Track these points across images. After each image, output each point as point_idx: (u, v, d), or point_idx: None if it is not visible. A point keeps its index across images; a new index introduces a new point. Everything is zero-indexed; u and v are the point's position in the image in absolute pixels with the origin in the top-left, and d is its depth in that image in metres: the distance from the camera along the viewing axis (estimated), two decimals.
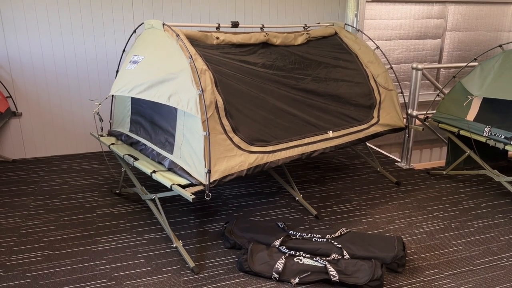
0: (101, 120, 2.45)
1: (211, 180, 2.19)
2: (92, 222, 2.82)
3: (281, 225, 2.59)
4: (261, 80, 2.68)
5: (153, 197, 2.56)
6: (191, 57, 2.28)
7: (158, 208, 2.58)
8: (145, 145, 2.70)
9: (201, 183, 2.21)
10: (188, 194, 2.09)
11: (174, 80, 2.28)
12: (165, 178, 2.29)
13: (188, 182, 2.26)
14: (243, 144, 2.38)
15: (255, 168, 2.39)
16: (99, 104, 2.33)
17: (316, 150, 2.68)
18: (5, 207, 3.02)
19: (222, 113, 2.32)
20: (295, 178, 3.59)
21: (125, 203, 3.09)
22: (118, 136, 2.97)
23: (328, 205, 3.09)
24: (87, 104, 3.99)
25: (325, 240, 2.40)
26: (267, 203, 3.11)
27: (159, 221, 2.67)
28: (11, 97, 3.76)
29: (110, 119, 3.15)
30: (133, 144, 2.83)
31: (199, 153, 2.21)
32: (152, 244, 2.57)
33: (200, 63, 2.33)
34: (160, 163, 2.52)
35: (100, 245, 2.55)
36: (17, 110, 3.82)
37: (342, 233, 2.48)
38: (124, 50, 3.01)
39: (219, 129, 2.28)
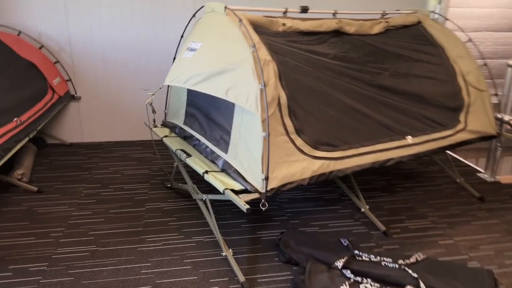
0: (153, 111, 2.26)
1: (268, 188, 1.92)
2: (140, 217, 2.67)
3: (345, 242, 2.27)
4: (331, 73, 2.34)
5: (204, 198, 2.34)
6: (254, 46, 2.00)
7: (208, 211, 2.37)
8: (198, 140, 2.48)
9: (256, 191, 1.94)
10: (242, 203, 1.83)
11: (234, 71, 2.02)
12: (218, 180, 2.05)
13: (242, 187, 2.01)
14: (306, 148, 2.07)
15: (319, 176, 2.08)
16: (153, 94, 2.13)
17: (391, 159, 2.31)
18: (58, 193, 2.96)
19: (285, 111, 2.03)
20: (359, 184, 3.22)
21: (176, 199, 2.92)
22: (172, 128, 2.78)
23: (398, 219, 2.71)
24: (144, 91, 3.88)
25: (397, 266, 2.05)
26: (327, 212, 2.79)
27: (209, 224, 2.45)
28: (70, 80, 3.73)
29: (165, 109, 2.98)
30: (187, 138, 2.63)
31: (257, 156, 1.94)
32: (201, 249, 2.36)
33: (264, 53, 2.04)
34: (213, 162, 2.29)
35: (146, 245, 2.39)
36: (76, 94, 3.79)
37: (419, 259, 2.10)
38: (182, 36, 2.80)
39: (280, 130, 1.99)
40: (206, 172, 2.14)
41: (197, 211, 2.73)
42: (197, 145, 2.48)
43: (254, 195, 1.93)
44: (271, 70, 2.01)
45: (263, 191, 1.92)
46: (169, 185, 3.04)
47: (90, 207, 2.79)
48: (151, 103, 2.17)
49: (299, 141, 2.05)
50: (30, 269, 2.16)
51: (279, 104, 2.00)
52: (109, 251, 2.33)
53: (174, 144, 2.58)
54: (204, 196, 2.33)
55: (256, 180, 1.95)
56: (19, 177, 3.03)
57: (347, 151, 2.19)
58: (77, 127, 3.90)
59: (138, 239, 2.44)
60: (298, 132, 2.06)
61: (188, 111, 2.65)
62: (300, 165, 2.03)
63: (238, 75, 2.00)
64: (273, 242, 2.42)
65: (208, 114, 2.42)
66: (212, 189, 2.15)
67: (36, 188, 2.96)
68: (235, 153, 2.11)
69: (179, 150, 2.46)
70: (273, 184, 1.93)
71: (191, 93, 2.62)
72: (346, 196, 2.96)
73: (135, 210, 2.76)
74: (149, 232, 2.52)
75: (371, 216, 2.64)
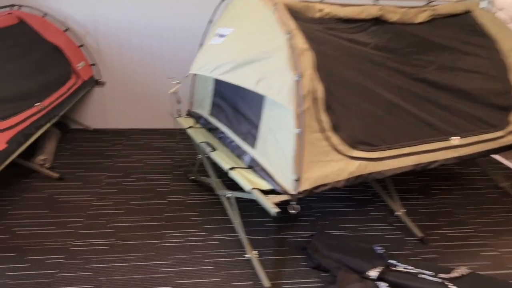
0: (178, 101, 2.13)
1: (300, 190, 1.76)
2: (161, 210, 2.57)
3: (379, 250, 2.09)
4: (371, 65, 2.14)
5: (229, 195, 2.21)
6: (290, 33, 1.82)
7: (232, 208, 2.23)
8: (224, 133, 2.34)
9: (286, 192, 1.78)
10: (270, 206, 1.68)
11: (266, 60, 1.85)
12: (245, 178, 1.91)
13: (270, 187, 1.85)
14: (342, 147, 1.90)
15: (356, 178, 1.90)
16: (178, 83, 1.99)
17: (435, 161, 2.11)
18: (79, 181, 2.89)
19: (321, 105, 1.85)
20: (393, 184, 3.01)
21: (199, 192, 2.80)
22: (197, 118, 2.65)
23: (436, 225, 2.51)
24: (169, 79, 3.76)
25: (437, 279, 1.87)
26: (358, 213, 2.61)
27: (233, 222, 2.32)
28: (95, 64, 3.64)
29: (191, 98, 2.84)
30: (212, 130, 2.49)
31: (288, 155, 1.78)
32: (223, 248, 2.24)
33: (300, 41, 1.86)
34: (239, 157, 2.14)
35: (167, 241, 2.28)
36: (101, 79, 3.70)
37: (464, 274, 1.91)
38: (210, 21, 2.64)
39: (314, 126, 1.82)
40: (232, 168, 2.00)
41: (221, 206, 2.60)
42: (222, 138, 2.34)
43: (283, 197, 1.78)
44: (308, 60, 1.83)
45: (294, 193, 1.76)
46: (192, 178, 2.92)
47: (111, 197, 2.70)
48: (177, 93, 2.03)
49: (335, 139, 1.88)
50: (47, 261, 2.08)
51: (314, 98, 1.82)
52: (128, 245, 2.23)
53: (199, 136, 2.45)
54: (229, 193, 2.19)
55: (286, 180, 1.80)
56: (42, 162, 2.97)
57: (387, 152, 2.00)
58: (101, 113, 3.83)
59: (158, 234, 2.34)
60: (335, 129, 1.88)
61: (215, 102, 2.50)
62: (336, 165, 1.85)
63: (270, 65, 1.83)
64: (300, 244, 2.27)
65: (235, 106, 2.27)
66: (238, 185, 2.01)
67: (57, 175, 2.90)
68: (264, 149, 1.96)
69: (203, 143, 2.32)
70: (305, 185, 1.77)
71: (218, 83, 2.47)
72: (379, 197, 2.77)
73: (157, 203, 2.66)
74: (170, 226, 2.41)
75: (407, 220, 2.45)
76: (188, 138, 3.72)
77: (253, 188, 1.81)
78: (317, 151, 1.82)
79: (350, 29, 2.22)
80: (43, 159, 2.99)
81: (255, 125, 2.05)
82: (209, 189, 2.82)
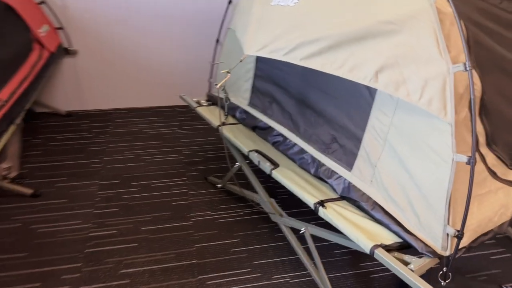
0: (227, 100, 1.37)
1: (459, 247, 1.11)
2: (188, 240, 1.87)
3: None
4: None
5: (302, 230, 1.53)
6: None
7: (308, 251, 1.57)
8: (284, 137, 1.61)
9: (434, 253, 1.12)
10: (417, 281, 1.02)
11: (391, 36, 1.11)
12: (352, 225, 1.23)
13: (398, 241, 1.19)
14: (499, 169, 1.24)
15: None
16: (228, 72, 1.21)
17: None
18: (62, 197, 2.10)
19: (477, 109, 1.16)
20: None
21: (228, 203, 2.11)
22: (223, 108, 1.89)
23: None
24: (167, 41, 2.88)
25: None
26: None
27: (305, 264, 1.66)
28: (62, 28, 2.70)
29: (210, 77, 2.05)
30: (258, 128, 1.75)
31: (434, 196, 1.10)
32: None
33: (445, 5, 1.12)
34: (319, 178, 1.45)
35: None
36: (71, 47, 2.78)
37: None
38: None
39: (468, 142, 1.14)
40: (322, 204, 1.31)
41: (266, 226, 1.94)
42: (280, 144, 1.62)
43: (431, 262, 1.12)
44: (459, 36, 1.10)
45: (448, 253, 1.10)
46: (219, 186, 2.19)
47: (112, 222, 1.96)
48: (224, 88, 1.26)
49: (490, 158, 1.21)
50: None
51: (470, 100, 1.12)
52: None
53: (241, 139, 1.71)
54: (303, 227, 1.51)
55: (430, 234, 1.13)
56: (5, 173, 2.14)
57: None
58: (75, 91, 2.93)
59: (194, 283, 1.65)
60: (490, 142, 1.21)
61: (259, 87, 1.74)
62: (495, 199, 1.21)
63: (401, 45, 1.09)
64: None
65: (304, 99, 1.53)
66: (310, 214, 1.34)
67: (31, 191, 2.09)
68: (374, 176, 1.27)
69: (254, 153, 1.59)
70: (464, 240, 1.12)
71: (264, 60, 1.70)
72: None
73: (178, 226, 1.95)
74: (207, 266, 1.73)
75: None
76: (192, 119, 2.94)
77: (376, 246, 1.14)
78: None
79: None
80: (6, 168, 2.15)
81: (351, 134, 1.34)
82: (242, 199, 2.13)
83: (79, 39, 2.76)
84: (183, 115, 3.02)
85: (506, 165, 1.25)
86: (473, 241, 1.15)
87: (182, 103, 3.15)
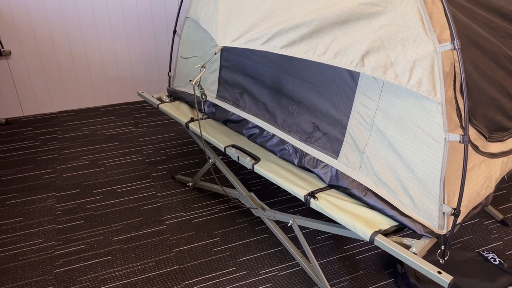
0: (202, 97, 1.27)
1: (456, 223, 1.12)
2: (166, 244, 1.77)
3: (492, 258, 1.60)
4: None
5: (289, 223, 1.49)
6: None
7: (293, 241, 1.54)
8: (260, 129, 1.55)
9: (432, 233, 1.13)
10: (432, 270, 1.03)
11: (375, 18, 1.08)
12: (346, 213, 1.20)
13: (394, 224, 1.19)
14: (480, 142, 1.27)
15: (497, 185, 1.31)
16: (203, 66, 1.11)
17: None
18: (17, 215, 1.90)
19: (457, 86, 1.17)
20: None
21: (202, 201, 2.02)
22: (181, 100, 1.79)
23: None
24: (108, 35, 2.68)
25: None
26: None
27: (293, 255, 1.63)
28: None
29: (170, 70, 1.93)
30: (230, 122, 1.67)
31: (428, 177, 1.11)
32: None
33: None
34: (304, 168, 1.41)
35: None
36: (2, 48, 2.50)
37: None
38: None
39: (455, 120, 1.15)
40: (312, 195, 1.27)
41: (245, 219, 1.88)
42: (256, 137, 1.56)
43: (430, 243, 1.12)
44: (443, 13, 1.09)
45: (445, 232, 1.12)
46: (190, 184, 2.09)
47: (79, 236, 1.80)
48: (199, 83, 1.17)
49: (471, 132, 1.24)
50: None
51: (454, 77, 1.13)
52: None
53: (214, 134, 1.62)
54: (290, 219, 1.48)
55: (426, 214, 1.14)
56: None
57: None
58: (12, 96, 2.66)
59: None
60: (470, 117, 1.23)
61: (226, 78, 1.66)
62: (480, 173, 1.24)
63: (385, 26, 1.07)
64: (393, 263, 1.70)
65: (279, 88, 1.48)
66: (296, 204, 1.31)
67: None
68: (362, 162, 1.25)
69: (231, 149, 1.52)
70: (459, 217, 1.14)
71: (229, 50, 1.61)
72: None
73: (152, 232, 1.84)
74: (189, 270, 1.65)
75: None
76: (152, 116, 2.78)
77: (376, 233, 1.12)
78: (459, 158, 1.17)
79: None
80: None
81: (335, 120, 1.31)
82: (215, 194, 2.05)
83: (11, 39, 2.48)
84: (137, 112, 2.85)
85: (485, 138, 1.28)
86: (465, 216, 1.18)
87: (133, 99, 2.98)
